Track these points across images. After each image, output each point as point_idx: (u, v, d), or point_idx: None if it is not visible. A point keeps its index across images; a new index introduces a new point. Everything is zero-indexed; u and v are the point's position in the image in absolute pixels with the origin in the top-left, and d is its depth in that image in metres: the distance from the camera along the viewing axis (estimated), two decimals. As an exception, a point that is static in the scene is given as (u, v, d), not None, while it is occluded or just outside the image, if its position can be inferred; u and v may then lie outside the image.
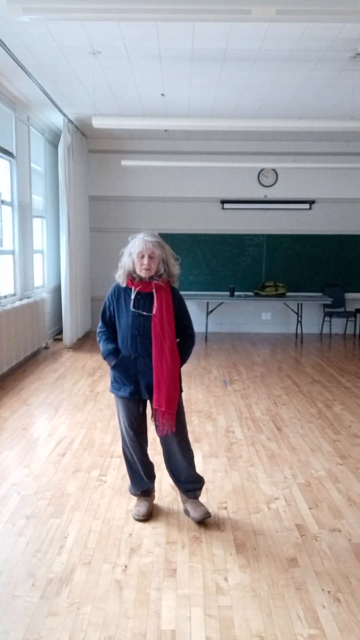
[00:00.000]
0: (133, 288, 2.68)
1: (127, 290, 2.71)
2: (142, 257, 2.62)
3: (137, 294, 2.67)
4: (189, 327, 2.80)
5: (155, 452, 3.14)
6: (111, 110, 6.88)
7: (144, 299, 2.66)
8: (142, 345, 2.66)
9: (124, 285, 2.71)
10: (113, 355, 2.72)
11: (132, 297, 2.67)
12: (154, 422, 2.70)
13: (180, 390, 2.75)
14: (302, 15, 3.16)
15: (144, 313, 2.64)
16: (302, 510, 2.93)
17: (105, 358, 2.75)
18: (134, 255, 2.64)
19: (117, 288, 2.75)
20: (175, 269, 2.73)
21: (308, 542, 2.61)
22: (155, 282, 2.66)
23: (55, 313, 8.29)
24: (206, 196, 8.85)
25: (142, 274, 2.64)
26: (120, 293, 2.73)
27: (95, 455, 3.66)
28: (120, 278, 2.72)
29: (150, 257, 2.61)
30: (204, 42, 4.58)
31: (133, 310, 2.66)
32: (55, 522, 2.77)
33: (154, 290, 2.66)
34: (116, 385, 2.77)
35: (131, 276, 2.69)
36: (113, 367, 2.74)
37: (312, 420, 4.45)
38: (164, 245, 2.69)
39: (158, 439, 2.86)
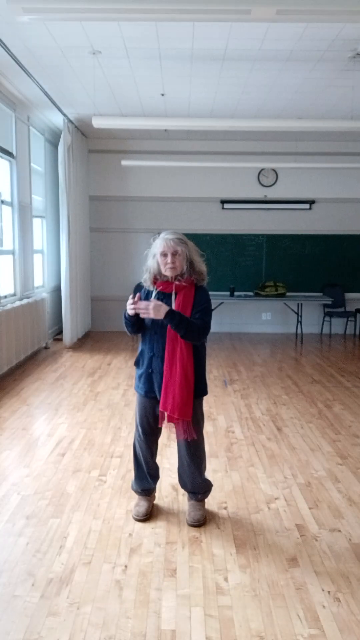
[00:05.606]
0: (155, 288, 2.66)
1: (152, 290, 2.69)
2: (165, 255, 2.57)
3: (159, 293, 2.65)
4: (201, 319, 2.61)
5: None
6: (111, 110, 6.88)
7: (165, 300, 2.62)
8: (158, 345, 2.64)
9: (150, 288, 2.69)
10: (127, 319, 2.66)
11: (153, 297, 2.64)
12: (167, 426, 2.68)
13: (204, 393, 2.73)
14: (302, 15, 3.16)
15: None
16: (302, 510, 2.93)
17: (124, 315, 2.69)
18: (157, 256, 2.60)
19: (146, 289, 2.74)
20: (202, 267, 2.65)
21: (308, 542, 2.61)
22: (176, 283, 2.61)
23: (55, 313, 8.29)
24: (206, 196, 8.85)
25: (168, 272, 2.60)
26: (147, 293, 2.72)
27: (95, 455, 3.66)
28: (146, 282, 2.70)
29: (173, 255, 2.56)
30: (204, 42, 4.58)
31: None
32: (55, 522, 2.76)
33: (173, 291, 2.62)
34: (137, 382, 2.79)
35: (155, 277, 2.67)
36: (135, 364, 2.77)
37: (312, 420, 4.45)
38: (186, 242, 2.62)
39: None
